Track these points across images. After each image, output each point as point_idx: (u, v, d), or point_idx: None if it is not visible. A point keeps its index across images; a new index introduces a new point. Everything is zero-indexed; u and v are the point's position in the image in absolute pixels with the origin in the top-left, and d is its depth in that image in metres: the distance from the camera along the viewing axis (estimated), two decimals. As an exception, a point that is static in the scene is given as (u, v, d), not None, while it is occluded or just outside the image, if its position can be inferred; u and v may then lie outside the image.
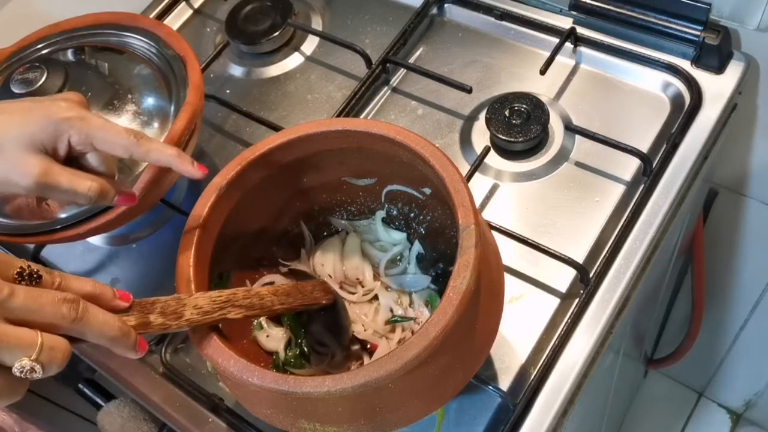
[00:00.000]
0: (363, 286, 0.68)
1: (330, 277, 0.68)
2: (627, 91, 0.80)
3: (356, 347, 0.65)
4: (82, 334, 0.42)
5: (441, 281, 0.67)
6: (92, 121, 0.52)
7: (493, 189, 0.76)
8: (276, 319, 0.66)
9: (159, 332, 0.47)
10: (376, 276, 0.69)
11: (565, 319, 0.66)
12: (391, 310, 0.66)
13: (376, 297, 0.67)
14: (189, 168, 0.55)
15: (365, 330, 0.65)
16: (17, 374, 0.38)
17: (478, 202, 0.75)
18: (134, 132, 0.54)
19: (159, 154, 0.54)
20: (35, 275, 0.41)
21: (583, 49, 0.83)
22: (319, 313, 0.62)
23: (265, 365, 0.57)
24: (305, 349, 0.63)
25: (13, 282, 0.40)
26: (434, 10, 0.91)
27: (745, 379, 1.48)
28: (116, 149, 0.53)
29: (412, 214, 0.68)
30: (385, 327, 0.65)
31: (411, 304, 0.67)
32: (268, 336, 0.65)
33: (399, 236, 0.69)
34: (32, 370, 0.38)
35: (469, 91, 0.80)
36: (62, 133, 0.52)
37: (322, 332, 0.64)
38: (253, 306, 0.52)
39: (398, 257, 0.69)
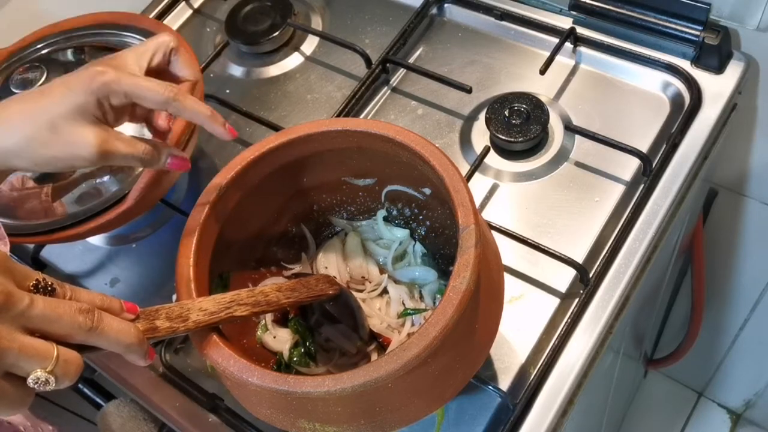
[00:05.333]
0: (370, 282, 0.68)
1: (335, 278, 0.68)
2: (627, 91, 0.80)
3: (372, 347, 0.65)
4: (96, 344, 0.42)
5: (446, 277, 0.67)
6: (125, 80, 0.52)
7: (493, 189, 0.76)
8: (281, 321, 0.66)
9: (167, 336, 0.47)
10: (382, 271, 0.69)
11: (565, 319, 0.66)
12: (403, 303, 0.66)
13: (386, 291, 0.67)
14: (220, 129, 0.56)
15: (381, 323, 0.66)
16: (31, 385, 0.39)
17: (477, 202, 0.75)
18: (170, 87, 0.54)
19: (192, 112, 0.55)
20: (49, 287, 0.41)
21: (583, 49, 0.83)
22: (329, 304, 0.62)
23: (266, 365, 0.57)
24: (311, 348, 0.63)
25: (29, 293, 0.40)
26: (434, 10, 0.91)
27: (745, 379, 1.48)
28: (154, 105, 0.54)
29: (412, 215, 0.68)
30: (398, 320, 0.66)
31: (422, 298, 0.67)
32: (275, 337, 0.65)
33: (402, 233, 0.69)
34: (46, 381, 0.39)
35: (469, 91, 0.80)
36: (103, 99, 0.52)
37: (333, 331, 0.64)
38: (258, 303, 0.52)
39: (403, 253, 0.69)
